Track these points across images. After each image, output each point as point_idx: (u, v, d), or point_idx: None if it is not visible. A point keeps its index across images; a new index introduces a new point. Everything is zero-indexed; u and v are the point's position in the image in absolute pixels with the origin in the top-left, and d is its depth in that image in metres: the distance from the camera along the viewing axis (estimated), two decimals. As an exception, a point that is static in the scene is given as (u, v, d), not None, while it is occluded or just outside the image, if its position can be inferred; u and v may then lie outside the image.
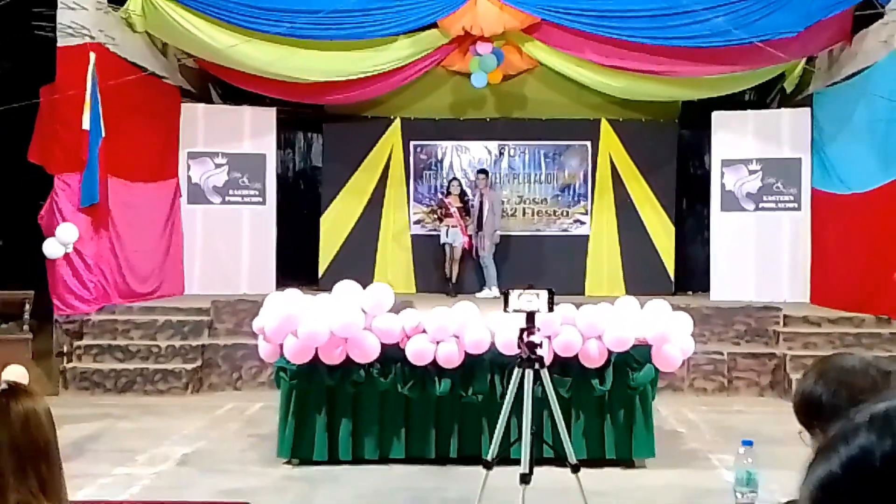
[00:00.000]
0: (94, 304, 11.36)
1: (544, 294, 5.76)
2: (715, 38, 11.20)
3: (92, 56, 10.93)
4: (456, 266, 13.87)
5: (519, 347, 5.82)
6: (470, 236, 13.73)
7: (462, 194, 13.92)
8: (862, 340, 10.96)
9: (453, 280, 13.83)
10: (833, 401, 1.88)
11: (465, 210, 13.79)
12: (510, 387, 5.80)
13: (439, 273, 14.03)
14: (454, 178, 14.13)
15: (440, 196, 14.21)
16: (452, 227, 13.69)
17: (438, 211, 14.06)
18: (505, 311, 5.87)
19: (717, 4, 11.08)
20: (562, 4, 11.71)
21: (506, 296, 5.88)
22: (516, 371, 5.77)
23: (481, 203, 13.64)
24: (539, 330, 5.97)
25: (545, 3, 11.71)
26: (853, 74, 11.97)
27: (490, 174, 14.15)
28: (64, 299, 11.14)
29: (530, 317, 5.74)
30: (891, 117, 10.97)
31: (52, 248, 10.92)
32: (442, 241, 13.84)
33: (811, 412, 1.93)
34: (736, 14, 11.07)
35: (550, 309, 5.85)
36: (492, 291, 13.19)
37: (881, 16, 11.42)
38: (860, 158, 11.77)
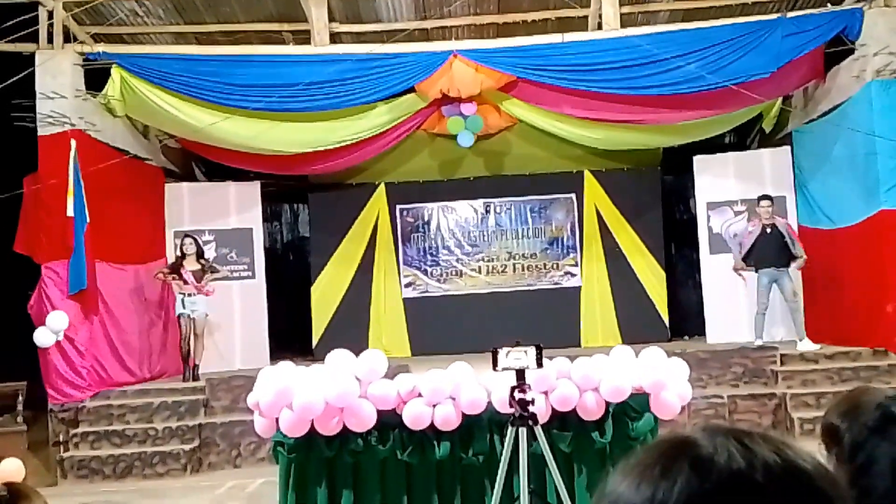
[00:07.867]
0: (87, 390, 11.28)
1: (532, 350, 5.73)
2: (689, 85, 11.24)
3: (73, 143, 11.00)
4: (198, 342, 12.17)
5: (511, 406, 5.77)
6: None
7: (199, 253, 12.37)
8: (860, 374, 10.91)
9: (195, 359, 12.08)
10: (850, 435, 2.05)
11: (202, 273, 12.14)
12: (505, 446, 5.75)
13: (434, 334, 13.95)
14: (186, 236, 12.51)
15: (176, 260, 12.38)
16: (189, 295, 12.07)
17: (170, 276, 12.23)
18: (494, 370, 5.83)
19: (687, 52, 11.15)
20: (536, 62, 11.77)
21: (494, 354, 5.85)
22: (510, 430, 5.72)
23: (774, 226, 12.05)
24: (531, 387, 5.93)
25: (520, 61, 11.76)
26: (829, 111, 12.08)
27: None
28: (58, 387, 11.06)
29: (520, 374, 5.71)
30: (869, 150, 11.06)
31: (43, 337, 10.87)
32: (178, 313, 12.14)
33: (831, 441, 2.11)
34: (706, 60, 11.14)
35: (539, 364, 5.82)
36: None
37: (852, 51, 11.55)
38: (843, 193, 11.83)
